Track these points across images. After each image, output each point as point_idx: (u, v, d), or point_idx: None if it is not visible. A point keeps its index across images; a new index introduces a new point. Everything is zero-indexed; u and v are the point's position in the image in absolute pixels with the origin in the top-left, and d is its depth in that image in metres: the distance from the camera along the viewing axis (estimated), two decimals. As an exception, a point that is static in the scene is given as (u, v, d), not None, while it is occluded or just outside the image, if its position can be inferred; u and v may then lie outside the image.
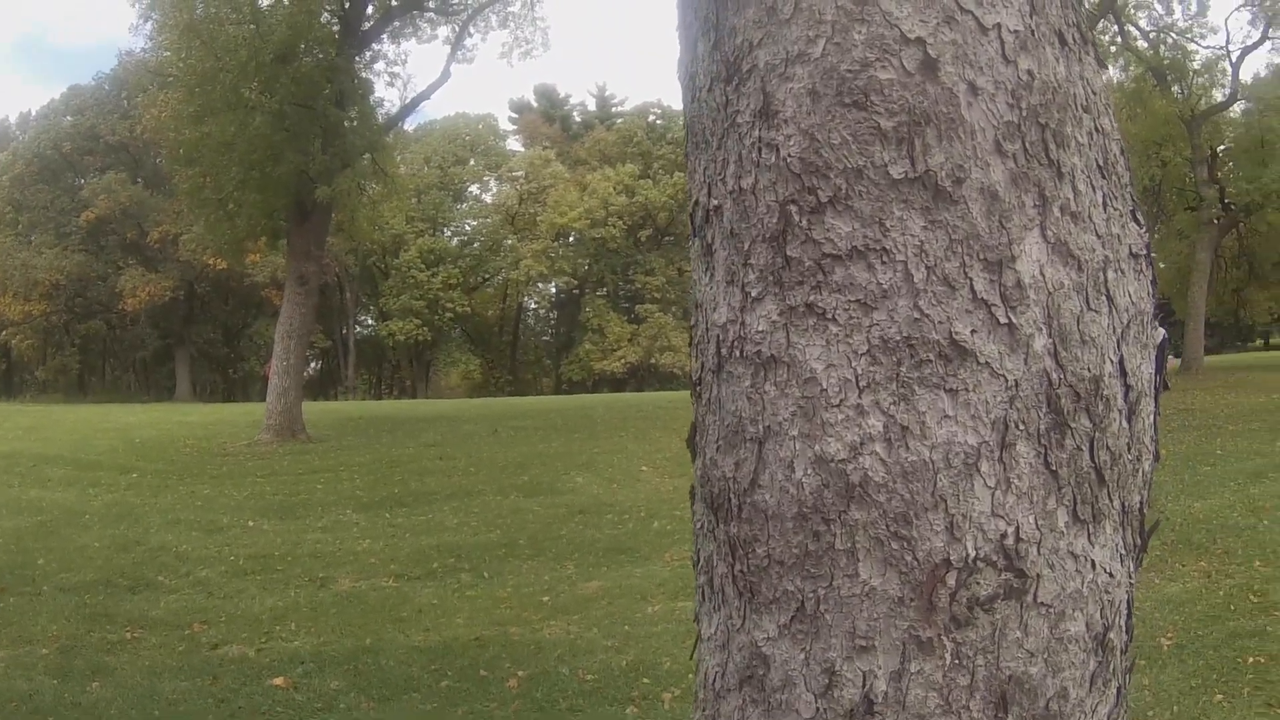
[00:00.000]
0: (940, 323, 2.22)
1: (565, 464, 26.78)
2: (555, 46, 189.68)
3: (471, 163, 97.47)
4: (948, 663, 2.21)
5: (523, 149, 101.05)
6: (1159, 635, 11.27)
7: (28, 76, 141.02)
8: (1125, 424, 2.43)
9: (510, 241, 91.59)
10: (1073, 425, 2.30)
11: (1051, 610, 2.28)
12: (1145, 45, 52.97)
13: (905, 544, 2.22)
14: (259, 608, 14.25)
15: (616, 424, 35.32)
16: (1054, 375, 2.28)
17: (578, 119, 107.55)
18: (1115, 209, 2.47)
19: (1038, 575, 2.26)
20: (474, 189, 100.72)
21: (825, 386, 2.27)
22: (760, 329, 2.36)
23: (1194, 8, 52.85)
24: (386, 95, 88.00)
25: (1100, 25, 48.87)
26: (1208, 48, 52.94)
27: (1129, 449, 2.45)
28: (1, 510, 20.76)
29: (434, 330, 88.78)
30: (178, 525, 19.86)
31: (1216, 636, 11.30)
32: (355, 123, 37.43)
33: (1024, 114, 2.32)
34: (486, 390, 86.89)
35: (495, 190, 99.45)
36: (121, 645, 12.56)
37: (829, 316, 2.27)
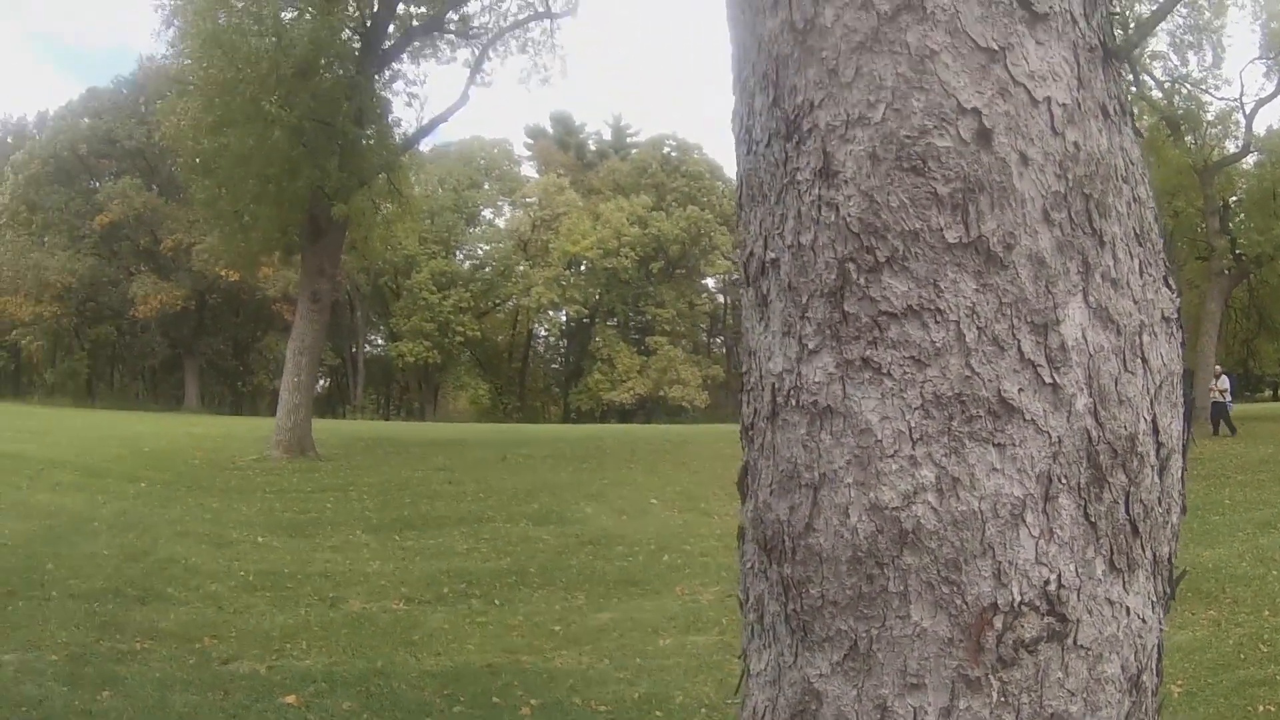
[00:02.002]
0: (990, 381, 2.33)
1: (574, 494, 26.77)
2: (573, 75, 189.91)
3: (486, 186, 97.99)
4: (994, 700, 2.31)
5: (537, 175, 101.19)
6: (1170, 682, 11.25)
7: (47, 74, 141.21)
8: (1157, 479, 2.53)
9: (522, 267, 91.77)
10: (1110, 480, 2.41)
11: (1090, 653, 2.38)
12: (1160, 95, 52.82)
13: (955, 588, 2.32)
14: (269, 625, 14.26)
15: (625, 455, 35.28)
16: (1094, 433, 2.38)
17: (592, 148, 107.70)
18: (1150, 275, 2.57)
19: (1078, 620, 2.36)
20: (487, 213, 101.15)
21: (880, 437, 2.36)
22: (817, 380, 2.45)
23: (1209, 59, 52.87)
24: (404, 115, 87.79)
25: (1116, 74, 49.10)
26: (1222, 99, 52.80)
27: (1160, 502, 2.54)
28: (10, 512, 20.75)
29: (444, 353, 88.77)
30: (187, 537, 19.87)
31: (1227, 684, 11.40)
32: (373, 141, 37.45)
33: (1070, 184, 2.41)
34: (494, 416, 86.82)
35: (508, 215, 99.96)
36: (132, 655, 12.56)
37: (884, 371, 2.36)
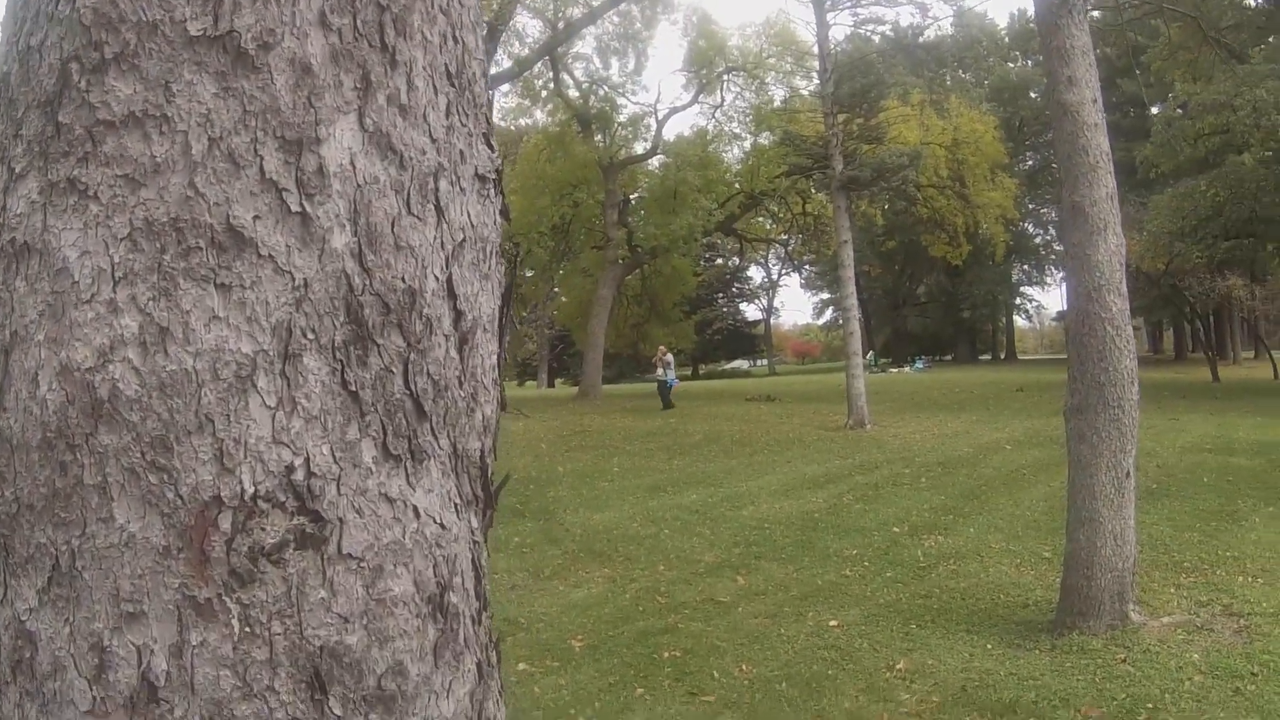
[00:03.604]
0: (217, 205, 1.92)
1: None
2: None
3: None
4: (236, 631, 1.88)
5: None
6: (569, 638, 11.80)
7: None
8: (454, 354, 2.20)
9: None
10: (380, 342, 2.04)
11: (365, 565, 1.99)
12: (576, 94, 55.62)
13: (166, 477, 1.88)
14: None
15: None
16: (357, 280, 2.01)
17: None
18: (462, 122, 2.30)
19: (341, 520, 1.97)
20: None
21: (78, 278, 1.91)
22: (19, 211, 1.99)
23: (631, 65, 55.87)
24: None
25: (536, 69, 51.07)
26: (638, 104, 56.21)
27: (460, 384, 2.23)
28: None
29: None
30: None
31: (629, 635, 11.88)
32: None
33: None
34: None
35: None
36: None
37: (92, 194, 1.93)
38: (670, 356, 49.23)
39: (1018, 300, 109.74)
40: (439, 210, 2.17)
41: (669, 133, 57.50)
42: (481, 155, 2.35)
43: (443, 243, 2.17)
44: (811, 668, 10.67)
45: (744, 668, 10.81)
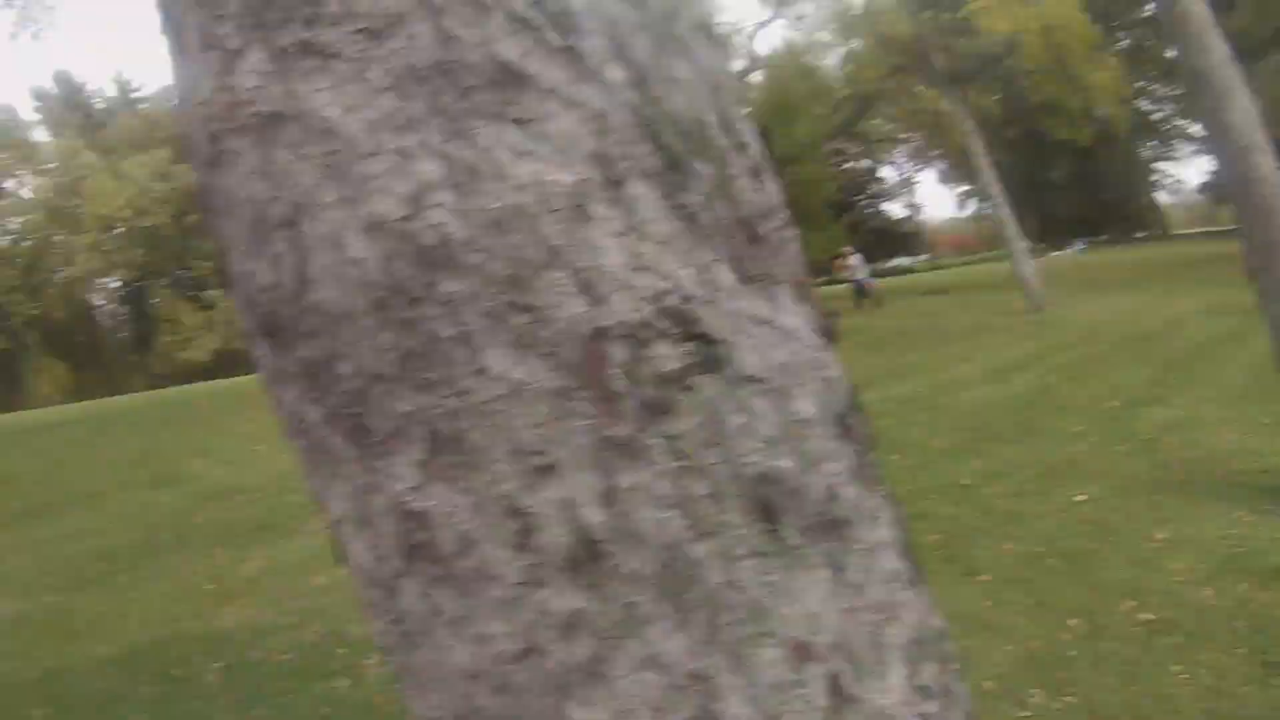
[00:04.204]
0: (479, 45, 1.77)
1: (182, 451, 26.45)
2: (72, 36, 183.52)
3: (2, 156, 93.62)
4: (669, 467, 1.72)
5: (50, 138, 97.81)
6: None
7: None
8: (756, 183, 2.02)
9: (60, 238, 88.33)
10: (691, 169, 1.87)
11: (769, 387, 1.83)
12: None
13: (533, 316, 1.72)
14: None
15: (219, 408, 34.83)
16: (647, 110, 1.84)
17: (101, 106, 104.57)
18: None
19: (730, 341, 1.81)
20: (9, 184, 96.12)
21: (352, 134, 1.76)
22: (251, 85, 1.82)
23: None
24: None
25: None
26: (725, 23, 55.82)
27: (772, 213, 2.04)
28: None
29: (10, 339, 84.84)
30: None
31: None
32: None
33: None
34: (81, 394, 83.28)
35: (32, 184, 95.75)
36: None
37: (333, 53, 1.77)
38: (858, 256, 49.23)
39: (1154, 178, 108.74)
40: (687, 49, 1.97)
41: (760, 49, 57.50)
42: (706, 4, 2.25)
43: (704, 79, 1.98)
44: (1073, 542, 11.05)
45: (1007, 546, 11.22)
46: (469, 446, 1.71)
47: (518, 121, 1.73)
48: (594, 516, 1.69)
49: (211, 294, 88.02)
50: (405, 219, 1.71)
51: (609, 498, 1.69)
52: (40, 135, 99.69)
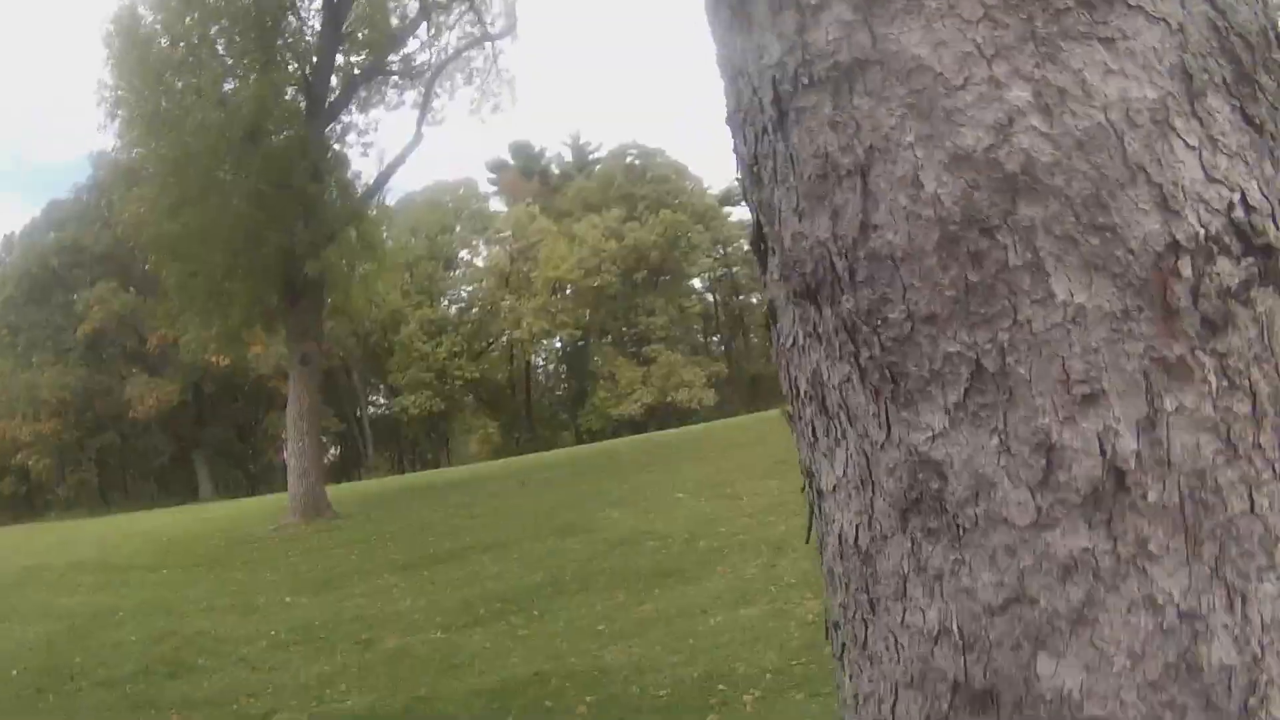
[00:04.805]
0: None
1: (597, 503, 26.54)
2: (524, 101, 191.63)
3: (458, 229, 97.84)
4: (1214, 387, 1.67)
5: (505, 208, 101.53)
6: None
7: (14, 200, 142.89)
8: None
9: (508, 301, 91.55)
10: (1259, 80, 1.82)
11: None
12: None
13: (1108, 235, 1.69)
14: (305, 675, 13.93)
15: (643, 461, 35.18)
16: (1219, 23, 1.81)
17: (556, 171, 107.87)
18: None
19: None
20: (464, 254, 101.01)
21: (941, 70, 1.78)
22: (833, 35, 1.85)
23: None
24: (362, 167, 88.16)
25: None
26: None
27: None
28: (33, 616, 20.35)
29: (446, 399, 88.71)
30: (213, 611, 19.48)
31: None
32: (334, 196, 37.50)
33: None
34: (507, 451, 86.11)
35: (485, 253, 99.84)
36: (169, 728, 12.24)
37: None
38: None
39: None
40: None
41: None
42: None
43: None
44: None
45: None
46: (1013, 381, 1.74)
47: (1105, 40, 1.76)
48: (1128, 445, 1.68)
49: (650, 349, 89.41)
50: (990, 148, 1.74)
51: (1149, 423, 1.68)
52: (497, 205, 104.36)
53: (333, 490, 38.44)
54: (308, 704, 12.49)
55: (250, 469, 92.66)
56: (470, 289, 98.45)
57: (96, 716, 12.99)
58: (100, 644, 17.27)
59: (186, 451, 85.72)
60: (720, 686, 10.39)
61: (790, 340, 2.09)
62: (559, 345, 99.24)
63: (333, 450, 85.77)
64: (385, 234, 47.07)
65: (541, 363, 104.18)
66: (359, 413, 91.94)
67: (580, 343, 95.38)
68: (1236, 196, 1.72)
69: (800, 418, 2.11)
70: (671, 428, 72.92)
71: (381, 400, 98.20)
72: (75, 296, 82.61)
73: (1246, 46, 1.82)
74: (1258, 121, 1.80)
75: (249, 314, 37.42)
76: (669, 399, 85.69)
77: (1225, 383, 1.68)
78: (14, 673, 15.80)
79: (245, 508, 46.16)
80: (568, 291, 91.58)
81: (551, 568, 19.34)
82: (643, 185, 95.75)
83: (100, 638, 17.84)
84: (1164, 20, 1.77)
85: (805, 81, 1.89)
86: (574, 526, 23.53)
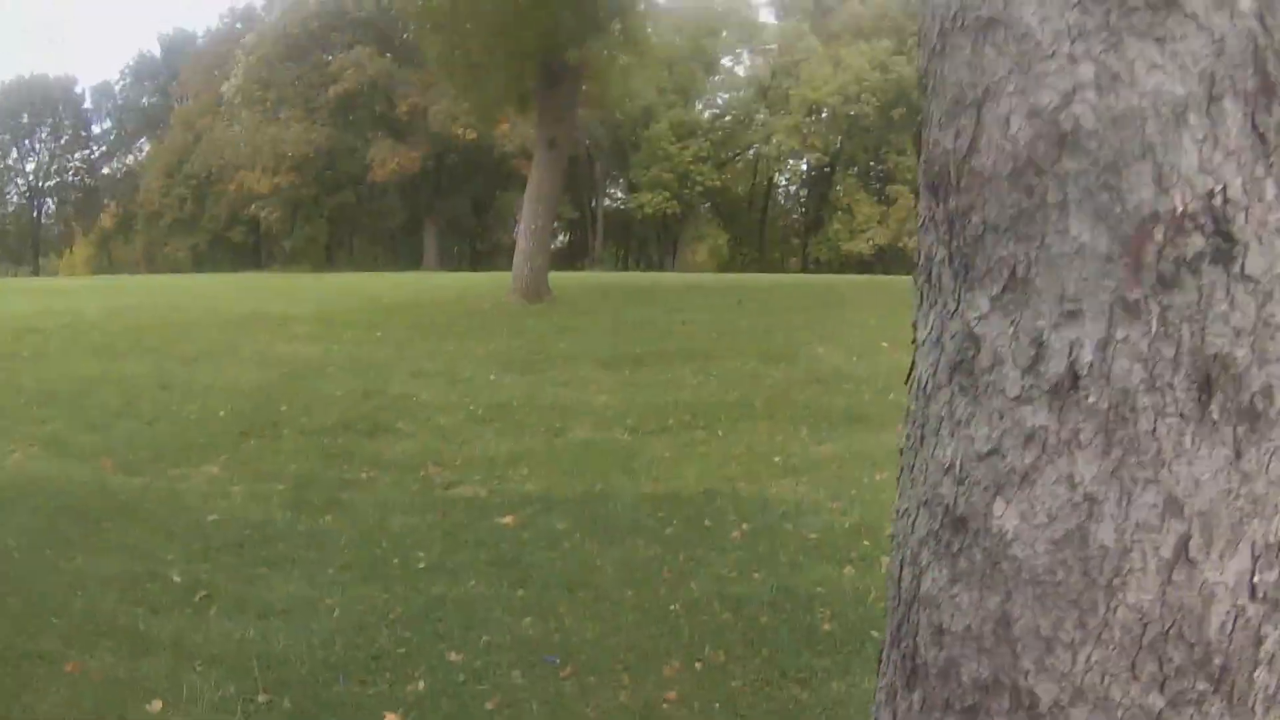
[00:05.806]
0: None
1: (807, 335, 26.27)
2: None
3: (724, 34, 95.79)
4: (1153, 330, 2.18)
5: (775, 21, 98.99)
6: None
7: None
8: None
9: (762, 116, 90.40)
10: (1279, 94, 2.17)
11: (1259, 288, 2.17)
12: None
13: (1115, 195, 2.19)
14: (494, 452, 14.46)
15: (862, 301, 34.39)
16: (1260, 39, 2.15)
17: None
18: None
19: (1245, 244, 2.16)
20: (726, 61, 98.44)
21: (1040, 39, 2.26)
22: None
23: None
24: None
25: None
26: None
27: None
28: (249, 363, 21.29)
29: (683, 204, 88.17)
30: (420, 377, 20.12)
31: None
32: (604, -17, 36.46)
33: None
34: (733, 266, 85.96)
35: (748, 63, 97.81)
36: (356, 483, 12.95)
37: None
38: None
39: None
40: None
41: None
42: None
43: None
44: None
45: None
46: (1030, 288, 2.28)
47: (1158, 40, 2.15)
48: (1086, 356, 2.21)
49: (893, 189, 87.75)
50: (1055, 109, 2.23)
51: (1104, 344, 2.20)
52: (767, 17, 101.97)
53: (555, 276, 38.57)
54: (490, 480, 13.04)
55: (477, 246, 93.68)
56: (726, 97, 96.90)
57: (292, 463, 13.72)
58: (308, 395, 18.16)
59: (418, 220, 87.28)
60: (865, 541, 10.60)
61: (921, 220, 2.63)
62: (805, 167, 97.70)
63: (561, 237, 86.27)
64: (650, 29, 46.50)
65: (784, 183, 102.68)
66: (594, 203, 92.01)
67: (826, 169, 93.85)
68: (1219, 187, 2.14)
69: (916, 281, 2.68)
70: (896, 273, 72.18)
71: (619, 194, 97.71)
72: (330, 58, 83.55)
73: (1278, 64, 2.16)
74: (1262, 130, 2.15)
75: (505, 92, 37.34)
76: (901, 244, 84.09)
77: (1162, 329, 2.16)
78: (221, 413, 16.75)
79: (469, 281, 46.90)
80: (823, 115, 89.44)
81: (746, 390, 19.42)
82: (916, 21, 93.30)
83: (308, 389, 18.74)
84: (1210, 30, 2.13)
85: (960, 24, 2.42)
86: (778, 354, 23.52)
